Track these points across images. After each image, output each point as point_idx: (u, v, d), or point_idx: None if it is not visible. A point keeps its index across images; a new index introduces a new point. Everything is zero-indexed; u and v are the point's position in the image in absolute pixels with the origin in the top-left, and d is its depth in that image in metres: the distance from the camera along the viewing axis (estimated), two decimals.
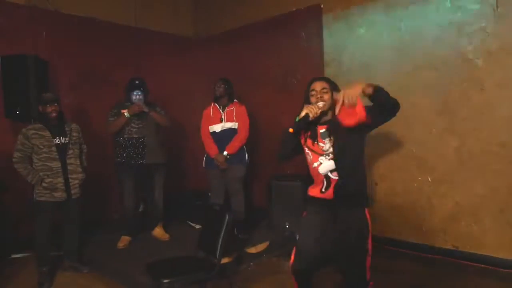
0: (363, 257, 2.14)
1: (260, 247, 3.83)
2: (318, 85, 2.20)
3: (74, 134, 3.42)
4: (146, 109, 3.83)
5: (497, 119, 3.29)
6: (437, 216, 3.66)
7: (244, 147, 4.04)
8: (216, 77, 4.18)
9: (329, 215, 2.22)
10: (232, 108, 3.98)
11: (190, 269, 2.60)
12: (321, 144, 2.20)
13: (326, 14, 4.35)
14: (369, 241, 2.16)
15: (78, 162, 3.41)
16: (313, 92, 2.19)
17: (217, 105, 4.03)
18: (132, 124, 3.86)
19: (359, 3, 4.05)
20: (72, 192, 3.33)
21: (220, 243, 2.57)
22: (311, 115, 2.09)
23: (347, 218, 2.18)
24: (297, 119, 2.12)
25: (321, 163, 2.19)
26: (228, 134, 3.95)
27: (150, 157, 3.91)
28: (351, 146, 2.15)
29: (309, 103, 2.20)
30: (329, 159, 2.16)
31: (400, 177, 3.87)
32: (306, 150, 2.26)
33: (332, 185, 2.17)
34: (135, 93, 3.87)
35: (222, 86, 3.96)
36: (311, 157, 2.23)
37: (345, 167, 2.15)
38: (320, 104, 2.15)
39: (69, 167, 3.32)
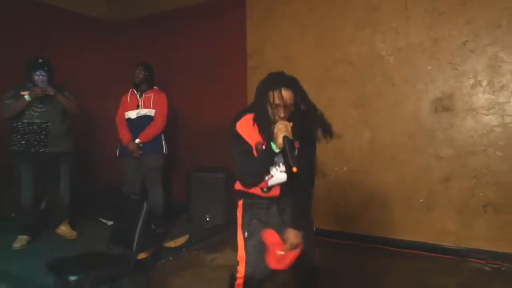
0: (312, 232, 2.02)
1: (179, 241, 3.65)
2: (287, 96, 1.74)
3: None
4: (51, 92, 3.39)
5: (405, 113, 3.57)
6: (351, 204, 3.85)
7: (162, 136, 3.83)
8: (134, 63, 3.90)
9: (276, 207, 1.95)
10: (151, 95, 3.75)
11: (103, 264, 2.35)
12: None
13: (250, 6, 4.34)
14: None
15: None
16: (279, 102, 1.73)
17: (135, 91, 3.77)
18: (34, 108, 3.38)
19: None
20: None
21: (137, 234, 2.35)
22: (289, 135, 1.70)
23: (291, 206, 1.92)
24: (274, 148, 1.73)
25: (272, 176, 1.86)
26: (144, 121, 3.72)
27: (53, 145, 3.46)
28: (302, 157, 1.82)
29: (263, 111, 1.78)
30: (281, 171, 1.86)
31: (318, 168, 3.98)
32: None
33: (277, 188, 1.91)
34: (38, 73, 3.39)
35: (142, 72, 3.72)
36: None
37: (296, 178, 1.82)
38: (289, 126, 1.71)
39: None
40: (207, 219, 4.12)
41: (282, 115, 1.74)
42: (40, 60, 3.45)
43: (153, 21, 5.15)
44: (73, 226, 3.82)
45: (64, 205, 3.70)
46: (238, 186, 1.99)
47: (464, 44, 3.30)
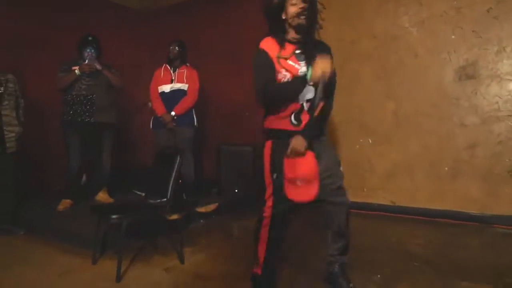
0: (342, 181, 2.05)
1: (210, 207, 3.84)
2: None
3: (10, 85, 3.23)
4: (99, 67, 3.71)
5: (428, 83, 3.62)
6: (376, 175, 3.92)
7: (193, 110, 4.04)
8: (165, 51, 4.11)
9: None
10: (184, 70, 3.97)
11: (141, 209, 2.57)
12: (296, 66, 1.92)
13: None
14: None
15: (14, 114, 3.21)
16: (294, 1, 1.88)
17: (168, 66, 4.00)
18: (82, 81, 3.70)
19: None
20: (8, 145, 3.13)
21: (171, 183, 2.56)
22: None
23: (320, 147, 1.96)
24: (308, 78, 1.85)
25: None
26: (177, 95, 3.93)
27: (99, 115, 3.76)
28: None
29: (279, 11, 1.93)
30: (308, 85, 1.89)
31: (342, 139, 4.09)
32: (283, 72, 1.93)
33: (305, 116, 1.93)
34: (88, 50, 3.72)
35: (177, 48, 3.95)
36: (288, 77, 1.93)
37: (318, 97, 1.88)
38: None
39: (4, 119, 3.12)
40: (236, 191, 4.29)
41: (294, 10, 1.89)
42: (90, 38, 3.78)
43: (183, 8, 5.39)
44: (110, 194, 4.10)
45: (105, 173, 3.98)
46: (267, 124, 2.03)
47: (487, 11, 3.32)
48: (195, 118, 4.04)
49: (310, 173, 1.85)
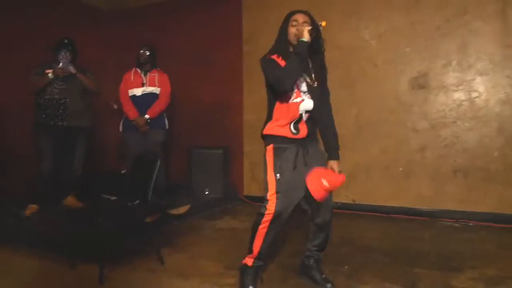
0: None
1: (182, 209, 3.97)
2: (300, 17, 2.14)
3: None
4: (73, 71, 3.72)
5: (386, 91, 3.99)
6: None
7: (164, 113, 4.15)
8: (132, 52, 4.19)
9: (300, 151, 2.16)
10: (155, 74, 4.07)
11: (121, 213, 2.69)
12: (307, 79, 2.16)
13: (245, 6, 4.70)
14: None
15: None
16: (295, 23, 2.12)
17: (138, 70, 4.07)
18: (55, 85, 3.70)
19: None
20: None
21: (151, 185, 2.69)
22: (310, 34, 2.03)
23: (314, 150, 2.21)
24: (304, 40, 2.02)
25: (303, 100, 2.11)
26: (149, 98, 4.01)
27: (71, 120, 3.77)
28: (320, 91, 2.20)
29: (285, 34, 2.14)
30: (309, 98, 2.12)
31: None
32: None
33: (303, 126, 2.14)
34: (62, 52, 3.72)
35: (147, 52, 4.03)
36: (294, 90, 2.11)
37: (317, 109, 2.16)
38: (308, 28, 2.04)
39: None
40: (206, 192, 4.46)
41: (294, 30, 2.09)
42: (66, 41, 3.79)
43: (151, 10, 5.44)
44: (78, 199, 4.10)
45: (75, 178, 3.99)
46: (268, 130, 2.20)
47: (437, 28, 3.73)
48: (166, 121, 4.15)
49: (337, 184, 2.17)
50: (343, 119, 4.13)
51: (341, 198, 4.22)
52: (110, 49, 5.63)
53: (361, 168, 4.14)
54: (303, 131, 2.14)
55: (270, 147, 2.18)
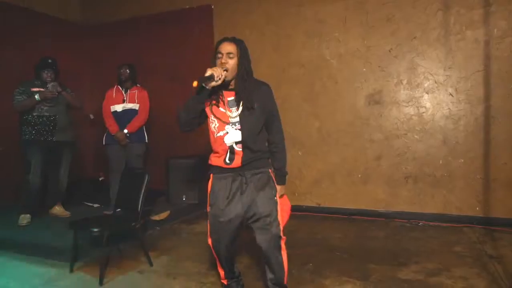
0: (275, 208, 2.17)
1: (163, 215, 4.28)
2: (224, 48, 2.07)
3: None
4: (59, 90, 3.99)
5: (345, 105, 4.44)
6: (305, 181, 4.67)
7: (144, 127, 4.43)
8: (107, 65, 4.47)
9: (237, 180, 2.17)
10: (135, 91, 4.34)
11: (115, 222, 2.96)
12: (228, 112, 2.11)
13: (216, 15, 5.04)
14: (277, 194, 2.22)
15: None
16: (219, 55, 2.06)
17: (120, 87, 4.34)
18: (44, 102, 3.97)
19: (245, 8, 4.85)
20: None
21: (141, 198, 2.99)
22: (215, 76, 1.95)
23: (254, 178, 2.16)
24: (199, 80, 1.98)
25: (227, 133, 2.11)
26: (129, 114, 4.29)
27: (60, 135, 4.08)
28: (256, 119, 2.13)
29: (215, 65, 2.07)
30: (236, 129, 2.10)
31: None
32: (212, 117, 2.14)
33: (238, 156, 2.13)
34: (46, 71, 3.99)
35: (127, 70, 4.30)
36: (217, 125, 2.12)
37: (250, 138, 2.11)
38: (222, 70, 1.99)
39: None
40: (184, 198, 4.77)
41: (219, 63, 2.03)
42: (50, 61, 4.06)
43: (126, 25, 5.69)
44: (65, 207, 4.33)
45: (62, 188, 4.25)
46: (210, 160, 2.25)
47: (389, 51, 4.22)
48: (145, 135, 4.44)
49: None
50: (307, 130, 4.60)
51: (306, 202, 4.65)
52: (85, 62, 5.85)
53: (325, 174, 4.57)
54: (237, 160, 2.13)
55: (211, 176, 2.25)
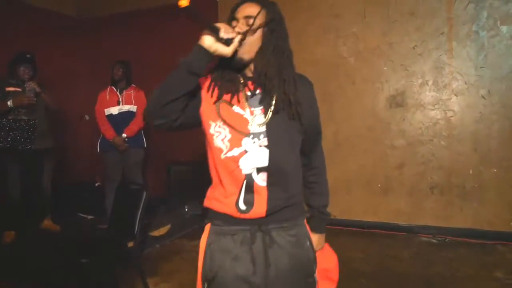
0: None
1: (163, 230, 3.89)
2: (242, 11, 1.26)
3: None
4: (38, 90, 3.53)
5: (364, 108, 4.03)
6: None
7: (142, 131, 4.03)
8: (104, 61, 4.07)
9: (257, 240, 1.24)
10: (131, 92, 3.95)
11: (107, 248, 2.57)
12: (248, 115, 1.24)
13: (221, 8, 4.61)
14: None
15: None
16: (234, 23, 1.26)
17: (114, 88, 3.94)
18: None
19: None
20: None
21: (138, 220, 2.60)
22: (223, 32, 1.16)
23: (284, 241, 1.25)
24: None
25: (245, 151, 1.21)
26: (126, 117, 3.91)
27: (39, 142, 3.62)
28: (295, 132, 1.28)
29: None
30: (260, 146, 1.21)
31: None
32: (217, 124, 1.24)
33: (261, 197, 1.22)
34: (23, 67, 3.52)
35: (121, 69, 3.90)
36: (228, 136, 1.22)
37: (284, 165, 1.25)
38: (238, 36, 1.19)
39: None
40: (186, 209, 4.38)
41: (237, 29, 1.22)
42: (28, 56, 3.57)
43: (124, 19, 5.26)
44: (54, 221, 3.94)
45: (47, 199, 3.85)
46: (207, 200, 1.34)
47: (413, 48, 3.80)
48: (144, 140, 4.04)
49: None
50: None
51: None
52: (81, 58, 5.44)
53: (341, 183, 4.17)
54: (260, 205, 1.22)
55: (206, 228, 1.33)
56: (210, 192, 1.34)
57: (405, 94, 3.87)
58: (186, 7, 1.15)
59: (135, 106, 3.93)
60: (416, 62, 3.81)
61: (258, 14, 1.24)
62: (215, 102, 1.25)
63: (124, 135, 3.83)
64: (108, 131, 3.84)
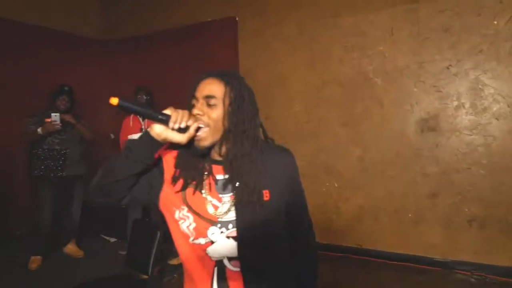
0: None
1: None
2: (202, 90, 1.16)
3: None
4: (72, 121, 3.70)
5: (393, 132, 3.73)
6: (343, 218, 4.02)
7: None
8: (127, 81, 4.08)
9: None
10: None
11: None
12: (216, 201, 1.15)
13: (241, 27, 4.48)
14: None
15: None
16: (193, 101, 1.17)
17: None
18: (56, 135, 3.68)
19: (274, 19, 4.25)
20: None
21: (151, 260, 2.52)
22: (172, 122, 1.07)
23: None
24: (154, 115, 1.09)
25: (211, 242, 1.13)
26: None
27: (70, 169, 3.77)
28: (269, 217, 1.16)
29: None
30: (227, 236, 1.13)
31: (309, 183, 4.15)
32: (182, 210, 1.15)
33: (236, 284, 1.14)
34: (61, 98, 3.71)
35: (144, 97, 3.93)
36: (192, 224, 1.14)
37: (256, 254, 1.15)
38: (195, 120, 1.11)
39: None
40: None
41: (195, 110, 1.13)
42: (66, 88, 3.77)
43: (147, 40, 5.26)
44: (78, 244, 4.00)
45: (74, 224, 3.96)
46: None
47: (447, 68, 3.47)
48: None
49: None
50: (346, 159, 3.96)
51: (345, 241, 4.01)
52: (106, 79, 5.50)
53: (367, 210, 3.91)
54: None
55: None
56: (184, 280, 1.27)
57: (438, 117, 3.54)
58: (117, 106, 1.08)
59: None
60: (450, 82, 3.47)
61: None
62: (180, 190, 1.16)
63: None
64: None
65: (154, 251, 2.52)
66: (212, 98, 1.13)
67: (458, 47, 3.41)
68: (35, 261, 3.64)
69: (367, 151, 3.87)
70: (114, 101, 1.07)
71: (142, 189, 1.16)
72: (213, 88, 1.15)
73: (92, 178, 1.18)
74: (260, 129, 1.22)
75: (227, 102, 1.14)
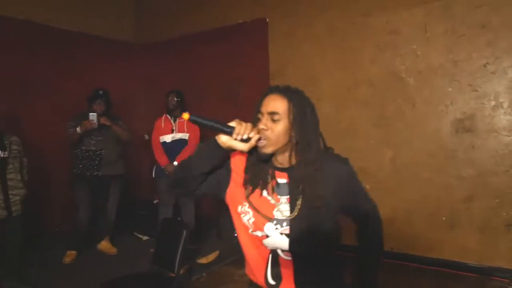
0: None
1: (211, 257, 3.89)
2: (266, 106, 1.28)
3: (14, 147, 3.23)
4: (108, 123, 3.87)
5: (426, 133, 3.64)
6: None
7: None
8: (161, 85, 4.21)
9: None
10: (184, 120, 4.01)
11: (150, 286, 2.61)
12: (274, 201, 1.31)
13: (272, 28, 4.51)
14: None
15: (19, 177, 3.23)
16: (259, 115, 1.30)
17: (168, 116, 4.08)
18: (92, 137, 3.88)
19: (304, 20, 4.26)
20: (13, 209, 3.15)
21: (178, 259, 2.60)
22: (235, 134, 1.22)
23: None
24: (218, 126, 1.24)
25: (266, 236, 1.30)
26: (179, 144, 4.00)
27: (106, 169, 3.94)
28: (324, 219, 1.31)
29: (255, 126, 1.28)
30: (281, 233, 1.28)
31: None
32: (243, 205, 1.34)
33: (288, 271, 1.33)
34: (97, 102, 3.87)
35: (175, 99, 4.02)
36: (251, 218, 1.32)
37: (306, 249, 1.31)
38: (257, 134, 1.24)
39: (9, 183, 3.14)
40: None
41: (261, 125, 1.26)
42: (101, 92, 3.94)
43: (179, 43, 5.40)
44: (112, 241, 4.16)
45: (109, 222, 4.12)
46: (247, 269, 1.47)
47: (484, 66, 3.35)
48: None
49: None
50: (377, 161, 3.91)
51: None
52: (139, 82, 5.71)
53: (399, 213, 3.82)
54: (288, 279, 1.32)
55: None
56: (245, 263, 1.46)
57: (474, 117, 3.42)
58: (188, 119, 1.24)
59: (187, 134, 4.01)
60: (487, 81, 3.35)
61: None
62: (245, 187, 1.35)
63: (175, 162, 3.90)
64: (161, 158, 3.98)
65: (180, 249, 2.61)
66: (276, 114, 1.26)
67: (496, 44, 3.28)
68: (69, 255, 3.84)
69: (400, 153, 3.80)
70: (186, 116, 1.23)
71: (210, 185, 1.35)
72: (276, 104, 1.27)
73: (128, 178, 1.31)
74: (320, 139, 1.35)
75: (291, 117, 1.26)
